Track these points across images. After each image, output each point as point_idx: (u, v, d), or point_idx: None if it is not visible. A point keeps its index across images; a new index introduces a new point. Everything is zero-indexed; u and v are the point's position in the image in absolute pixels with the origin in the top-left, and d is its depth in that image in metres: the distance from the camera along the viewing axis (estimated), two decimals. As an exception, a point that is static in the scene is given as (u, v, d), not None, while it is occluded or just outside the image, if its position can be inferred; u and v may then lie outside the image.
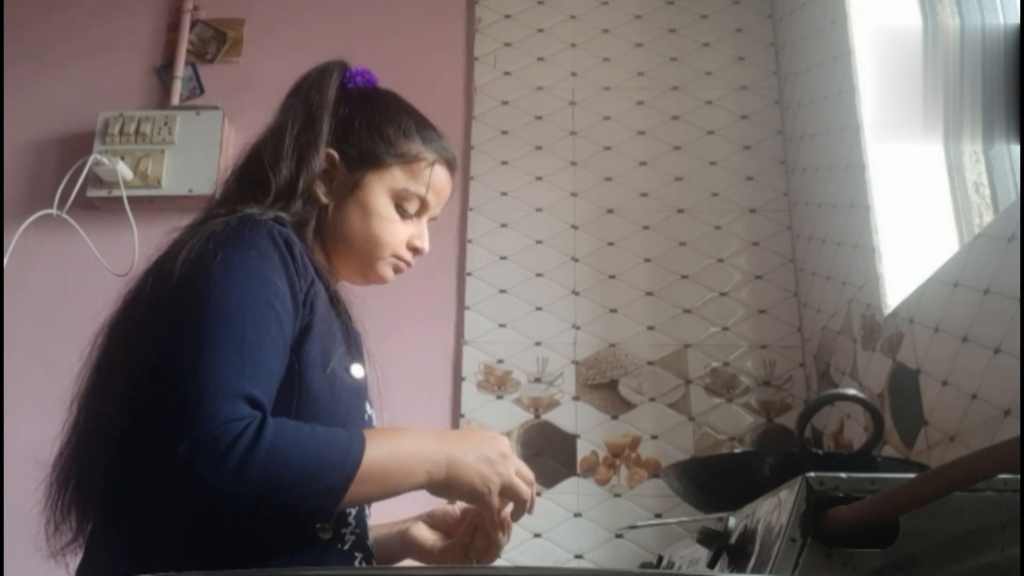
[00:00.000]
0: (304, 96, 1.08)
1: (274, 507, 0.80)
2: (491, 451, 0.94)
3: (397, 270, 1.10)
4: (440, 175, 1.10)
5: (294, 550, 0.87)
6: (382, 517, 1.11)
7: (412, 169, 1.07)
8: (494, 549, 1.06)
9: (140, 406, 0.84)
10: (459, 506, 1.14)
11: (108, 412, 0.90)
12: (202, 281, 0.86)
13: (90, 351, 0.98)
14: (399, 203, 1.06)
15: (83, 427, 0.95)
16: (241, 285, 0.86)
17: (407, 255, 1.09)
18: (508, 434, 1.87)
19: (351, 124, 1.06)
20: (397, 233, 1.07)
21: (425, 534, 1.14)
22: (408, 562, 1.16)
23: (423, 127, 1.11)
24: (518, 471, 0.96)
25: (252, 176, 1.03)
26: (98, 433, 0.91)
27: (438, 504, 1.07)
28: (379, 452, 0.85)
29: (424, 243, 1.10)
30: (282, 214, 0.99)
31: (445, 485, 0.91)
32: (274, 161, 1.01)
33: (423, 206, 1.09)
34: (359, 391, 0.98)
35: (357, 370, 0.98)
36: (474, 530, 1.09)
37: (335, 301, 1.00)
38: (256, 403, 0.82)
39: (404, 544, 1.14)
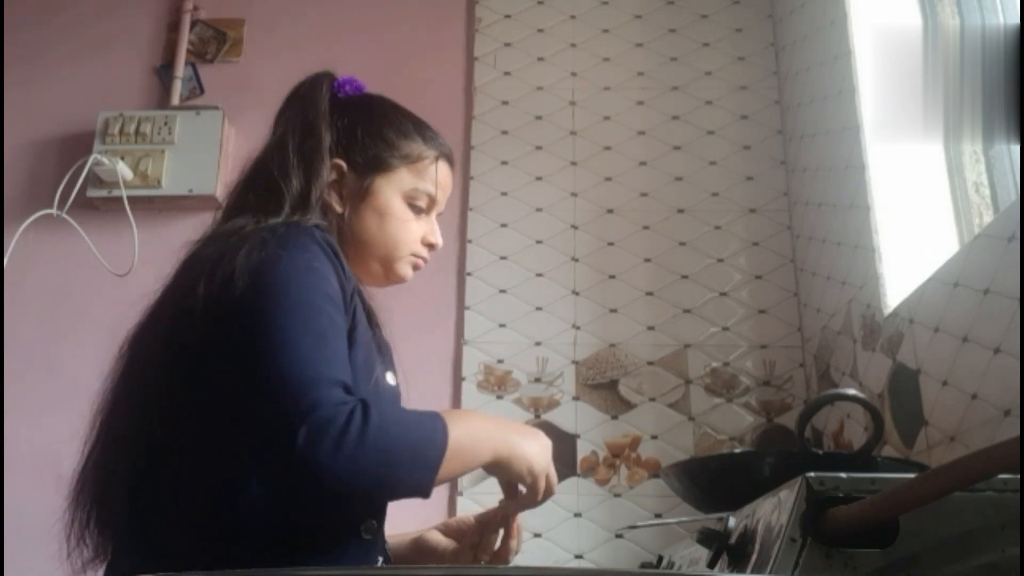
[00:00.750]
0: (299, 107, 1.10)
1: (385, 483, 0.84)
2: (543, 448, 0.99)
3: (415, 268, 1.13)
4: (443, 170, 1.13)
5: (341, 551, 0.91)
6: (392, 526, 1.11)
7: (417, 168, 1.10)
8: (505, 551, 1.07)
9: (202, 412, 0.86)
10: (473, 514, 1.17)
11: (142, 424, 0.90)
12: (272, 282, 0.88)
13: (117, 364, 0.98)
14: (410, 202, 1.10)
15: (107, 440, 0.95)
16: (310, 284, 0.89)
17: (423, 251, 1.13)
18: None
19: (353, 133, 1.09)
20: (413, 232, 1.10)
21: (439, 539, 1.16)
22: None
23: (420, 126, 1.14)
24: (548, 474, 1.00)
25: (265, 188, 1.03)
26: (129, 444, 0.91)
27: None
28: (459, 431, 0.89)
29: (438, 238, 1.14)
30: (321, 222, 1.01)
31: (506, 464, 0.95)
32: (283, 172, 1.03)
33: (431, 202, 1.12)
34: (395, 398, 1.02)
35: (391, 378, 1.02)
36: (482, 531, 1.11)
37: (368, 311, 1.04)
38: (349, 390, 0.85)
39: (417, 549, 1.15)
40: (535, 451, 0.97)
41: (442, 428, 0.87)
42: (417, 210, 1.10)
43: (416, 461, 0.85)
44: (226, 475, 0.87)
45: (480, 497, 1.83)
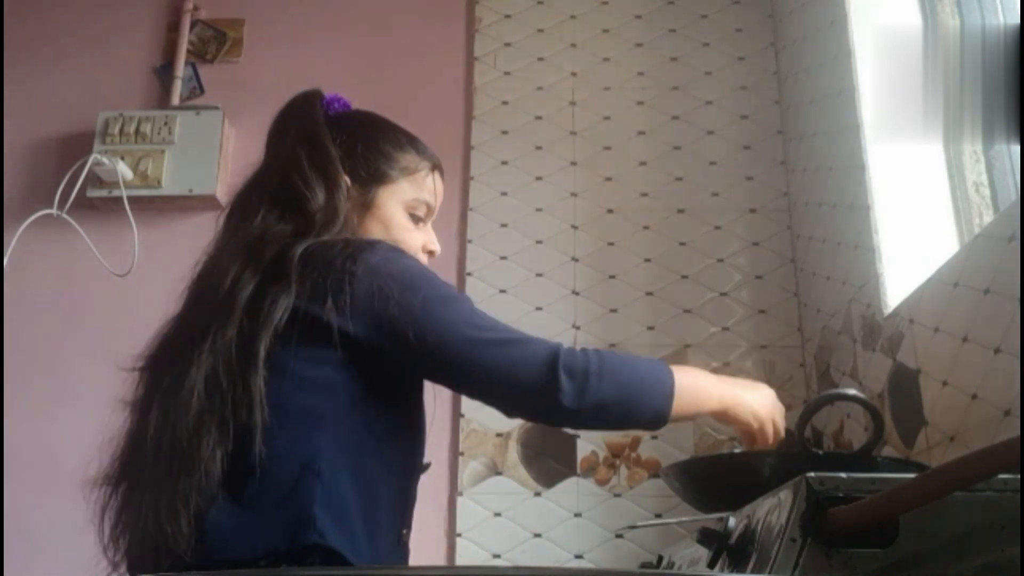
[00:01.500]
0: (299, 124, 1.13)
1: (631, 406, 0.96)
2: (766, 397, 1.11)
3: None
4: (437, 180, 1.20)
5: (388, 556, 0.99)
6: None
7: (415, 179, 1.16)
8: None
9: (296, 419, 0.93)
10: None
11: (216, 427, 0.91)
12: (425, 288, 0.98)
13: (174, 367, 0.97)
14: (410, 212, 1.16)
15: (171, 444, 0.93)
16: (439, 278, 1.02)
17: (424, 259, 1.17)
18: (508, 434, 1.87)
19: (353, 148, 1.13)
20: (414, 240, 1.15)
21: None
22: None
23: (412, 139, 1.19)
24: (774, 420, 1.12)
25: (293, 202, 1.05)
26: (202, 452, 0.91)
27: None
28: (683, 376, 1.01)
29: (436, 246, 1.20)
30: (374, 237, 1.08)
31: (733, 411, 1.07)
32: (307, 185, 1.05)
33: (429, 211, 1.18)
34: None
35: None
36: None
37: None
38: None
39: None
40: (758, 399, 1.09)
41: (667, 367, 0.99)
42: (416, 219, 1.16)
43: (652, 389, 0.97)
44: (300, 481, 0.90)
45: (480, 497, 1.83)
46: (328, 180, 1.07)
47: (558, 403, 0.93)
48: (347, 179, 1.10)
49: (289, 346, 0.93)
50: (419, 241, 1.16)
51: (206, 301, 1.00)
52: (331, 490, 0.91)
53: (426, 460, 1.11)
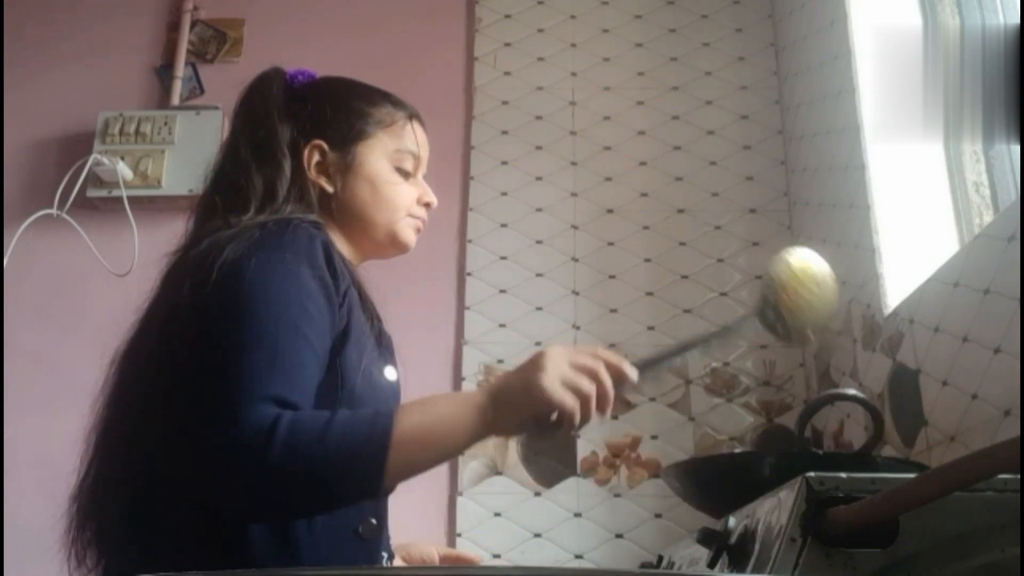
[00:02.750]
0: (248, 106, 1.12)
1: (317, 492, 0.82)
2: (531, 368, 0.86)
3: (416, 230, 1.14)
4: (418, 129, 1.15)
5: (340, 552, 0.91)
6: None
7: (394, 131, 1.12)
8: None
9: (173, 418, 0.86)
10: (438, 553, 1.20)
11: (137, 437, 0.91)
12: (237, 286, 0.87)
13: (109, 379, 0.99)
14: (397, 166, 1.11)
15: (104, 455, 0.95)
16: (277, 289, 0.88)
17: (421, 212, 1.14)
18: (508, 434, 1.87)
19: (322, 112, 1.10)
20: (406, 194, 1.11)
21: None
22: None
23: (384, 94, 1.15)
24: (573, 364, 0.85)
25: (227, 189, 1.04)
26: (126, 457, 0.92)
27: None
28: (412, 415, 0.84)
29: (431, 197, 1.15)
30: (315, 217, 1.01)
31: (504, 417, 0.86)
32: (242, 171, 1.04)
33: (416, 162, 1.14)
34: (395, 394, 1.01)
35: (391, 373, 1.02)
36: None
37: (366, 305, 1.03)
38: (285, 403, 0.83)
39: None
40: (525, 386, 0.85)
41: (381, 421, 0.82)
42: (404, 172, 1.11)
43: (350, 464, 0.81)
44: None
45: (480, 497, 1.83)
46: (263, 161, 1.04)
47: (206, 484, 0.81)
48: (323, 144, 1.07)
49: (179, 352, 0.89)
50: (412, 195, 1.12)
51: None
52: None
53: None
